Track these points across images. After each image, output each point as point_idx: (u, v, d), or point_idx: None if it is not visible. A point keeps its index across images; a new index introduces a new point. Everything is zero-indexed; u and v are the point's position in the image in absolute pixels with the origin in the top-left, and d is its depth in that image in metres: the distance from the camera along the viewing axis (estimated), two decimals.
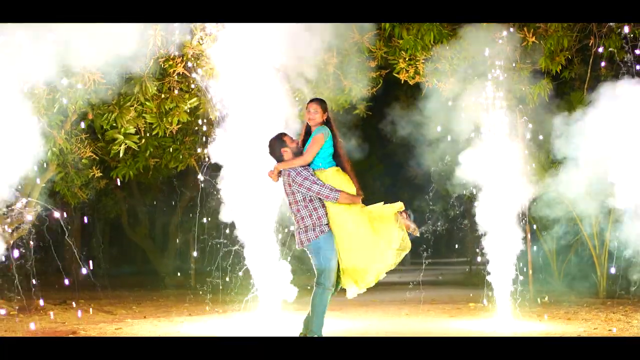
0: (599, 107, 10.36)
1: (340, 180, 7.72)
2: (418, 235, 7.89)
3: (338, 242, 7.64)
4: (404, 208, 7.86)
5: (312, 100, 7.97)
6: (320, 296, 7.53)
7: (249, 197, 10.20)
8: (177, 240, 20.28)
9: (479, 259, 11.51)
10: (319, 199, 7.62)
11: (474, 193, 11.09)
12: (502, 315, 10.82)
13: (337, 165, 7.79)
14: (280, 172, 7.71)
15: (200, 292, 14.16)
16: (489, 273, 10.99)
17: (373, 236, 7.70)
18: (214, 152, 10.49)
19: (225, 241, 11.10)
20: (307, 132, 7.91)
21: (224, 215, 10.54)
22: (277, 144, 7.79)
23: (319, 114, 7.83)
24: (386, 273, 7.90)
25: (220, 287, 13.63)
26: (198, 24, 10.27)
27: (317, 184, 7.57)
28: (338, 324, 10.15)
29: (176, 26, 10.13)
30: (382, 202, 7.93)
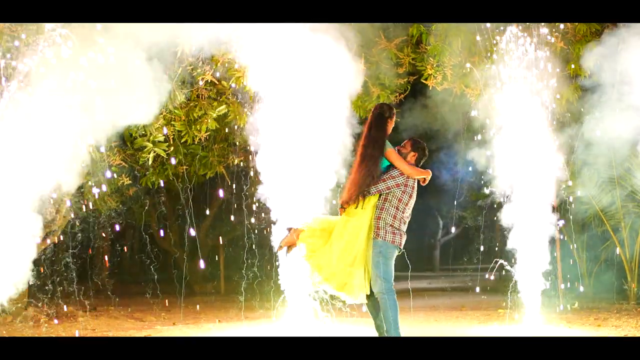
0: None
1: None
2: None
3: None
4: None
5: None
6: None
7: (290, 200, 10.20)
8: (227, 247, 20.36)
9: (507, 265, 11.46)
10: None
11: (503, 199, 11.04)
12: (531, 321, 10.78)
13: None
14: None
15: (236, 300, 14.17)
16: (514, 280, 10.97)
17: None
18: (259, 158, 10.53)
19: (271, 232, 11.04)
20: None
21: (271, 218, 10.53)
22: None
23: None
24: None
25: (262, 292, 13.67)
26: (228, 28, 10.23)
27: None
28: (367, 331, 10.14)
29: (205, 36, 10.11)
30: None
